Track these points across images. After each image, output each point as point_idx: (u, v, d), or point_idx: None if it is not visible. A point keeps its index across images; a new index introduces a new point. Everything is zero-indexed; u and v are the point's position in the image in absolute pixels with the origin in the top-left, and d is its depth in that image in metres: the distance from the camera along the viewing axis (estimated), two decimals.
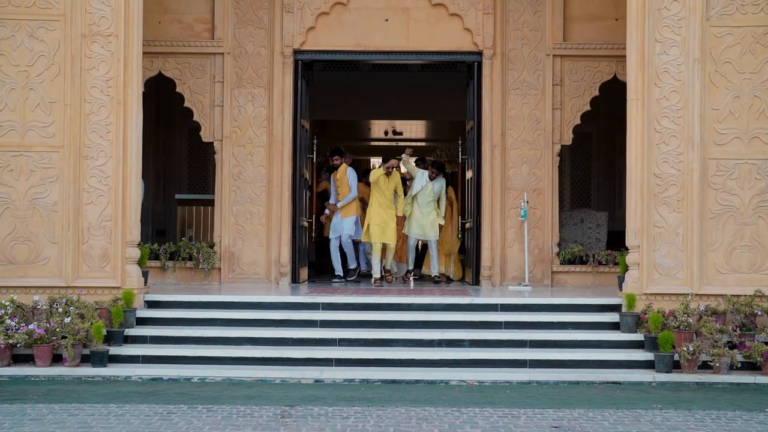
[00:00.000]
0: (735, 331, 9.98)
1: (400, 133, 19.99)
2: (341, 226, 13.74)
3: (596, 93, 13.24)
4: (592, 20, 13.24)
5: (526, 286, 12.55)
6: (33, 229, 10.49)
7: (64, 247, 10.48)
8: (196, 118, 13.24)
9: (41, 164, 10.50)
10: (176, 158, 17.69)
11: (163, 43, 13.10)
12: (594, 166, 17.77)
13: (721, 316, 10.14)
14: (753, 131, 10.46)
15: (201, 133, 13.28)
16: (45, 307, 10.02)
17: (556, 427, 7.33)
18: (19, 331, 9.68)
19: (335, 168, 13.99)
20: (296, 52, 13.21)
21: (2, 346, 9.61)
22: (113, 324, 10.08)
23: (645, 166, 10.45)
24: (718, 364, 9.59)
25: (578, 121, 13.29)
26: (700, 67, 10.42)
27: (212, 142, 13.21)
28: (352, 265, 14.09)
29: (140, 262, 10.92)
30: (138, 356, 9.93)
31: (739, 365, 9.71)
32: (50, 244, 10.49)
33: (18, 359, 9.82)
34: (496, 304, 10.81)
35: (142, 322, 10.47)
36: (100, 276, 10.50)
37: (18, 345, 9.68)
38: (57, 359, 9.75)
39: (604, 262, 13.12)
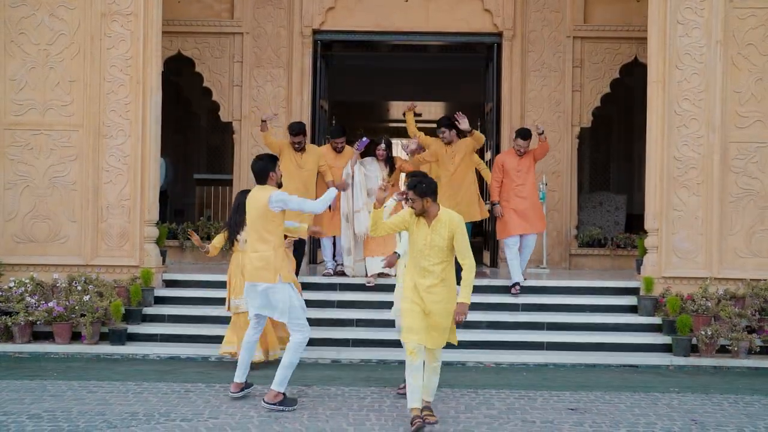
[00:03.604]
0: (754, 315, 9.92)
1: (419, 114, 19.93)
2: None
3: (616, 75, 13.16)
4: (612, 2, 13.11)
5: (544, 268, 12.52)
6: (52, 207, 10.53)
7: (83, 226, 10.52)
8: (215, 97, 13.25)
9: (61, 143, 10.53)
10: (195, 139, 17.74)
11: (183, 22, 13.10)
12: (613, 148, 17.67)
13: (740, 301, 10.08)
14: None
15: (220, 113, 13.31)
16: (64, 285, 10.10)
17: (572, 409, 7.32)
18: (39, 308, 9.77)
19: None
20: (315, 32, 13.18)
21: (22, 323, 9.70)
22: (131, 302, 10.14)
23: (665, 149, 10.37)
24: (736, 348, 9.55)
25: (598, 104, 13.22)
26: (722, 50, 10.30)
27: (231, 122, 13.23)
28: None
29: (158, 242, 10.95)
30: (156, 334, 9.99)
31: (757, 349, 9.66)
32: (69, 222, 10.54)
33: (38, 336, 9.91)
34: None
35: (161, 300, 10.54)
36: (119, 255, 10.54)
37: (38, 322, 9.77)
38: (76, 337, 9.84)
39: (622, 246, 13.08)
